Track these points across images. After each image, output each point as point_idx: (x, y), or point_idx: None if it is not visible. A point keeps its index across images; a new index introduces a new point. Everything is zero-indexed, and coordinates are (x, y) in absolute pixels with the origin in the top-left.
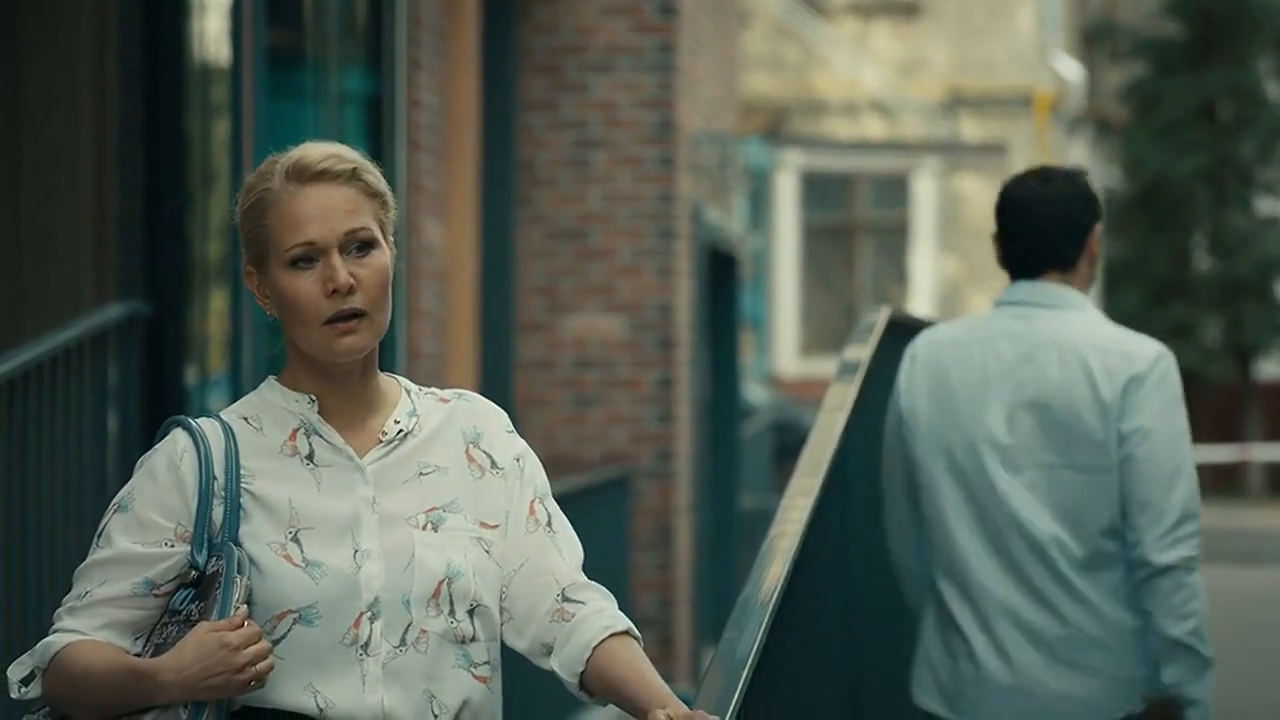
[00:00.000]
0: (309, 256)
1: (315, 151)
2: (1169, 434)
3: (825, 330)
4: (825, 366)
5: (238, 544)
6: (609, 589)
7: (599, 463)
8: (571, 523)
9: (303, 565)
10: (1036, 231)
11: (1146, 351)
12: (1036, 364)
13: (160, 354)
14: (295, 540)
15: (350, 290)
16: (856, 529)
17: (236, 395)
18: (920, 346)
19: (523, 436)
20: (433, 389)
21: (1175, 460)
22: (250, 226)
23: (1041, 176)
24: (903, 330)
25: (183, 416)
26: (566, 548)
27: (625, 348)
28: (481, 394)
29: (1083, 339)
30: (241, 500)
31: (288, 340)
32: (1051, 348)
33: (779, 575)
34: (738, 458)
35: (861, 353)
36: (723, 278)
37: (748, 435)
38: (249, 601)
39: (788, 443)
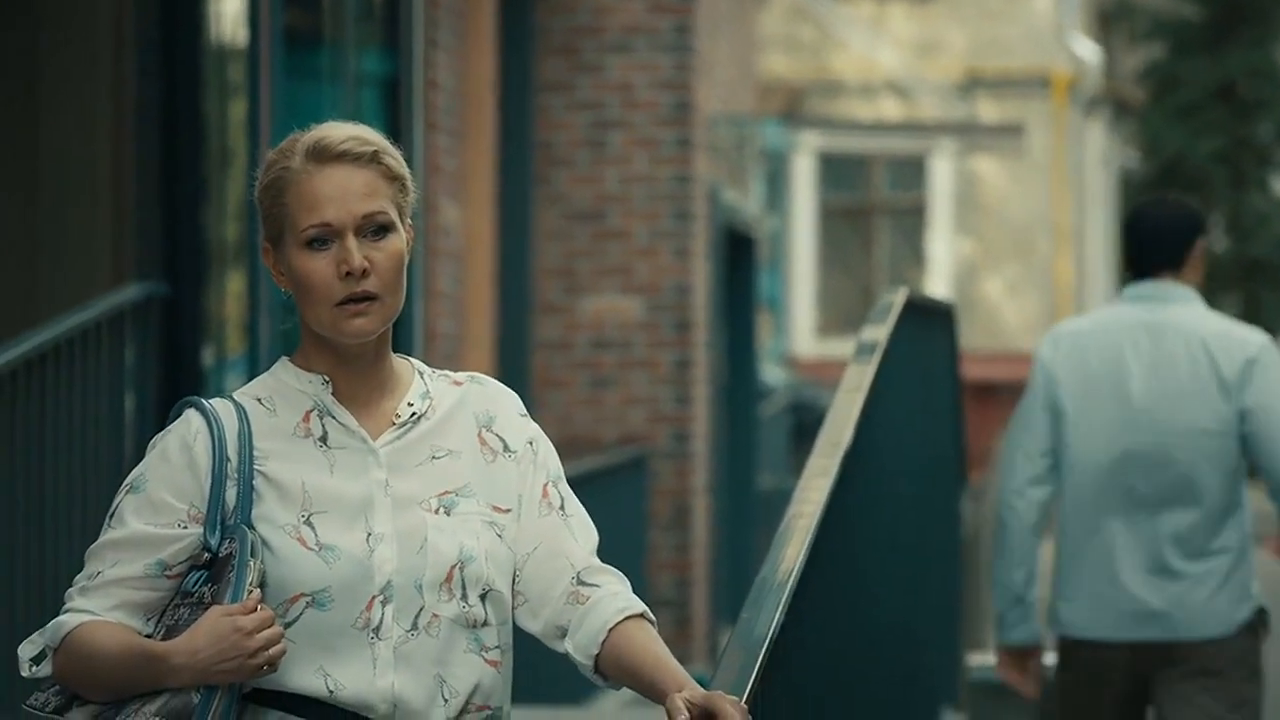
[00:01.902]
0: (324, 238)
1: (337, 132)
2: None
3: (842, 311)
4: (842, 347)
5: (250, 526)
6: (626, 570)
7: (616, 444)
8: (588, 504)
9: (316, 549)
10: (1154, 241)
11: (1256, 338)
12: (1165, 347)
13: (177, 335)
14: (308, 523)
15: (364, 273)
16: (874, 509)
17: (254, 376)
18: (1063, 334)
19: (540, 417)
20: (445, 371)
21: None
22: (268, 204)
23: (1158, 200)
24: (920, 311)
25: (196, 397)
26: (580, 531)
27: (642, 329)
28: (498, 375)
29: (1201, 327)
30: (255, 482)
31: (301, 319)
32: (1177, 334)
33: (796, 556)
34: (755, 438)
35: (879, 333)
36: (740, 259)
37: (765, 416)
38: (262, 584)
39: (805, 423)
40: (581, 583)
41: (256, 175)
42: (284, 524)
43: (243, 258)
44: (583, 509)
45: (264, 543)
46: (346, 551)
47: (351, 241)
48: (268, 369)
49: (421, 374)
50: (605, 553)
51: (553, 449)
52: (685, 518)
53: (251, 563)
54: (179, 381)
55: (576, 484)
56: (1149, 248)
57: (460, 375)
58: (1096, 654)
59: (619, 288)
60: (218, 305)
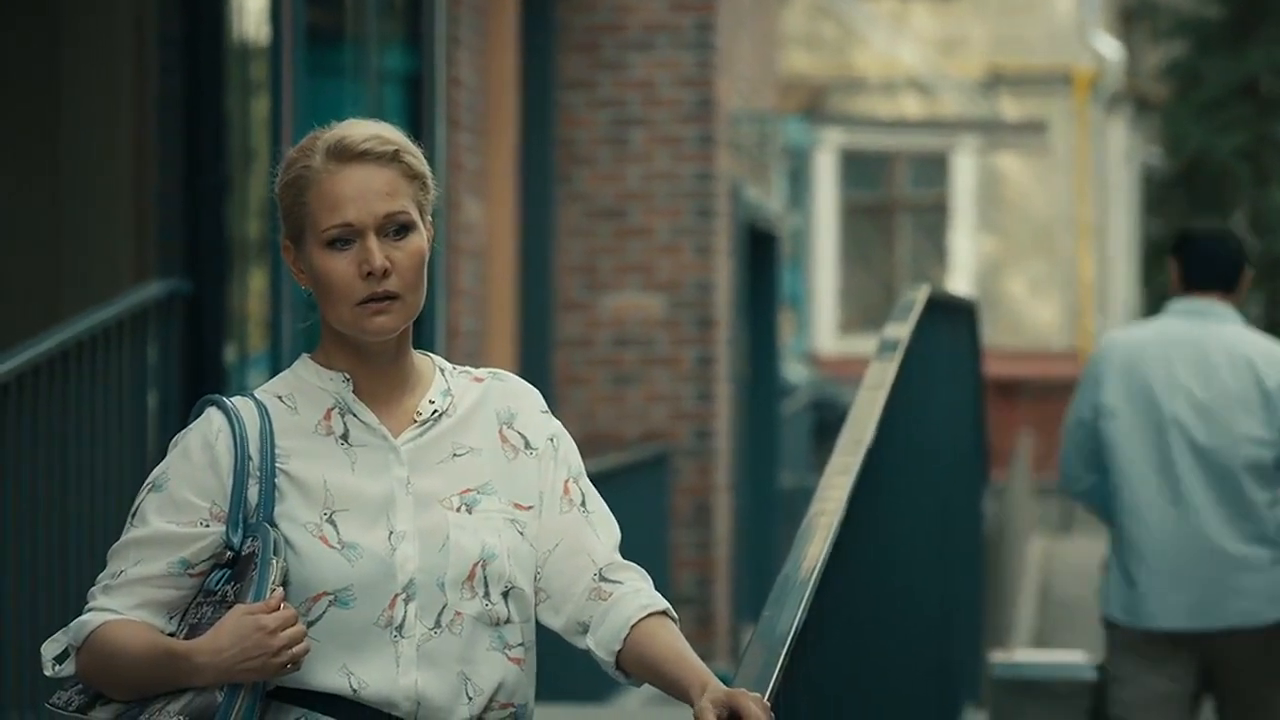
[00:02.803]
0: (346, 238)
1: (358, 131)
2: None
3: (864, 309)
4: (864, 345)
5: (273, 524)
6: (648, 567)
7: (638, 441)
8: (610, 501)
9: (338, 547)
10: (1214, 264)
11: None
12: (1211, 360)
13: (200, 332)
14: (331, 522)
15: (385, 273)
16: (896, 507)
17: (276, 373)
18: (1116, 346)
19: (562, 415)
20: (467, 368)
21: None
22: (289, 202)
23: (1215, 227)
24: (942, 309)
25: (217, 395)
26: (602, 528)
27: (664, 326)
28: (520, 372)
29: (1244, 343)
30: (276, 480)
31: (322, 317)
32: (1222, 348)
33: (818, 554)
34: (777, 436)
35: (901, 331)
36: (762, 256)
37: (787, 414)
38: (284, 583)
39: (827, 421)
40: (603, 579)
41: (279, 170)
42: (306, 522)
43: (265, 255)
44: (604, 505)
45: (286, 541)
46: (368, 550)
47: (373, 241)
48: (289, 366)
49: (442, 371)
50: (627, 550)
51: (574, 445)
52: (707, 515)
53: (274, 561)
54: (201, 378)
55: (598, 481)
56: (1209, 269)
57: (481, 372)
58: (1162, 645)
59: (641, 285)
60: (240, 302)
